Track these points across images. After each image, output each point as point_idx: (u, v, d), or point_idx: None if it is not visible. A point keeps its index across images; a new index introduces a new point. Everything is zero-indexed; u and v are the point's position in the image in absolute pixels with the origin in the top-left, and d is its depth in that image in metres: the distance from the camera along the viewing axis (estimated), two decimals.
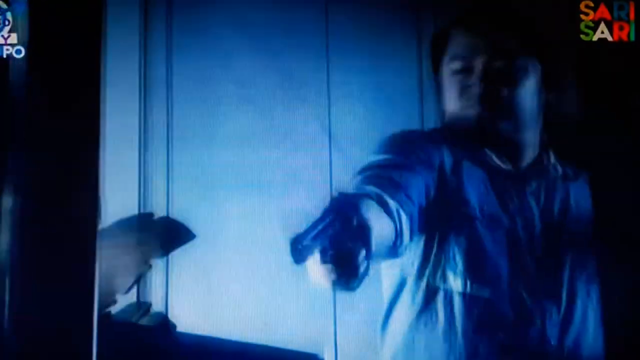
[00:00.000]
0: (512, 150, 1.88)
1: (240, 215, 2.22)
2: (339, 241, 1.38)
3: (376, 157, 1.79)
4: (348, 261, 1.39)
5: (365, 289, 1.47)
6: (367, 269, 1.44)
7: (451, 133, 1.87)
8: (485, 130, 1.84)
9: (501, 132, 1.85)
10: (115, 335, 1.85)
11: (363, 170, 1.76)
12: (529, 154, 1.90)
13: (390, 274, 1.88)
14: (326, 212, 1.39)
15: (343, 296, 2.16)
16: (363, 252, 1.41)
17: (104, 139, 1.68)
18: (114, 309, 2.07)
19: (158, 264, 2.22)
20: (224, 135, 2.24)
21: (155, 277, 2.23)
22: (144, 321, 2.10)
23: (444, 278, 1.80)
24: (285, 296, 2.16)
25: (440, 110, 1.94)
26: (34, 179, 1.68)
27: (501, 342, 1.78)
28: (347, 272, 1.40)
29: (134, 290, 2.17)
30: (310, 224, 1.37)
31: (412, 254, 1.82)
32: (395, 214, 1.64)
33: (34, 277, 1.66)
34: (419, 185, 1.75)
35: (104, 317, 1.92)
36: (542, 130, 1.92)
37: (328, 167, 2.21)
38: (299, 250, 1.35)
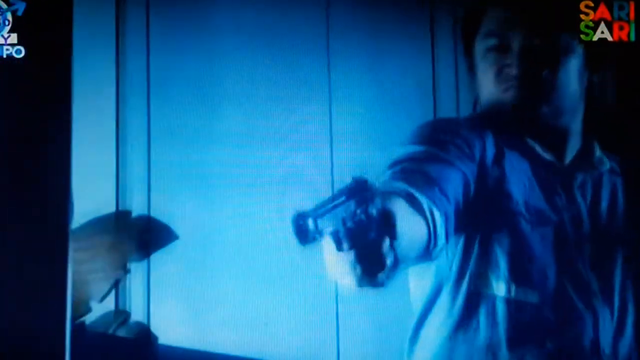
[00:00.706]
0: (555, 139, 1.78)
1: (236, 215, 2.12)
2: (357, 224, 1.22)
3: (407, 149, 1.66)
4: (370, 249, 1.25)
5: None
6: (395, 261, 1.29)
7: (488, 120, 1.76)
8: (525, 116, 1.74)
9: (542, 118, 1.75)
10: (89, 348, 1.82)
11: (392, 165, 1.63)
12: (573, 144, 1.81)
13: (421, 278, 1.75)
14: (340, 193, 1.25)
15: (346, 301, 2.08)
16: (387, 241, 1.26)
17: (76, 133, 1.65)
18: (89, 319, 2.01)
19: (137, 267, 2.10)
20: (222, 134, 2.16)
21: (135, 283, 2.10)
22: (122, 332, 2.03)
23: (486, 282, 1.69)
24: (285, 304, 2.04)
25: (474, 96, 1.83)
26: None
27: (550, 352, 1.67)
28: (371, 263, 1.26)
29: (111, 297, 2.07)
30: (319, 202, 1.23)
31: (449, 257, 1.70)
32: (427, 212, 1.52)
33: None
34: (456, 180, 1.63)
35: (78, 327, 1.90)
36: (584, 117, 1.82)
37: (329, 166, 2.13)
38: (301, 228, 1.21)
